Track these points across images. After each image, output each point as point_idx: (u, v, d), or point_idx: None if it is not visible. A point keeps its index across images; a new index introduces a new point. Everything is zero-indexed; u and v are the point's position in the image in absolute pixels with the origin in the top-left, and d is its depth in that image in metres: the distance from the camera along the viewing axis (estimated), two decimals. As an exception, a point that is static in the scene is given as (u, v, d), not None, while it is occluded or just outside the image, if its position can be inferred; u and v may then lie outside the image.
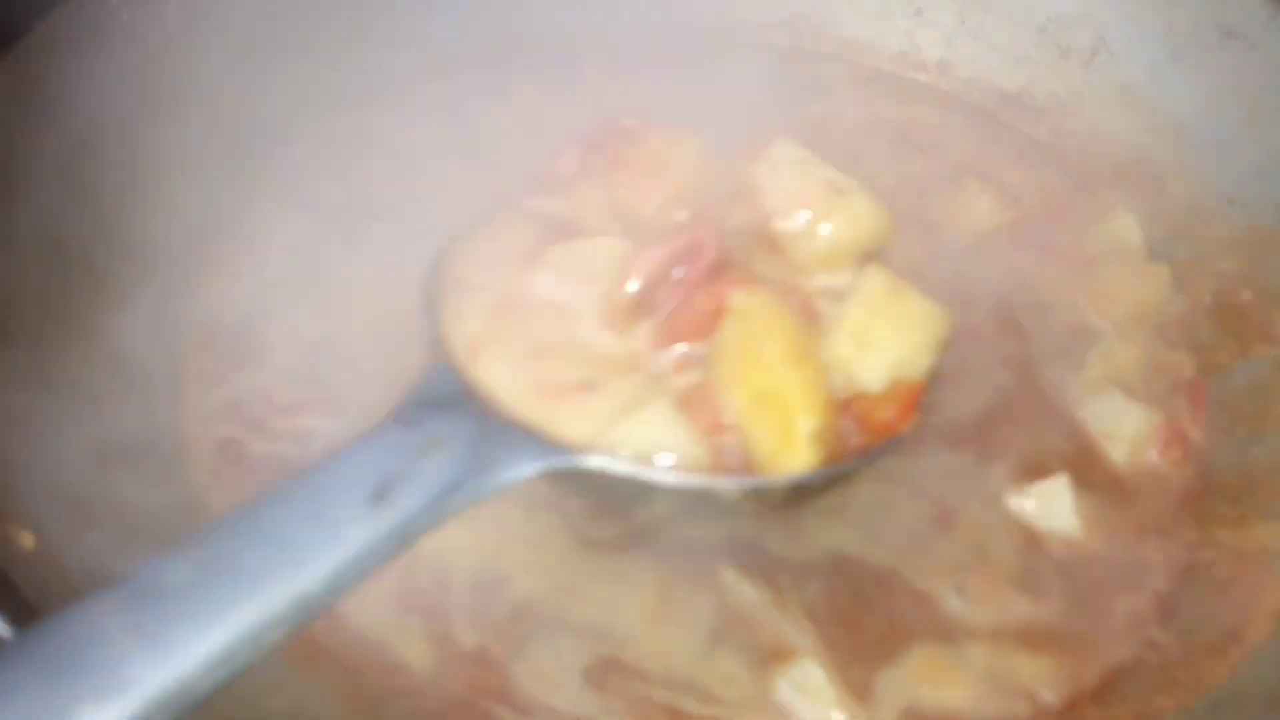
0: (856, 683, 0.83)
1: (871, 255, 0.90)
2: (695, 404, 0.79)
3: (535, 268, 0.88)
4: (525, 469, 0.73)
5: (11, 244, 0.90)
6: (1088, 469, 0.98)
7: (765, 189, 0.90)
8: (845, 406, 0.81)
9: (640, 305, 0.84)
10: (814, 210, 0.88)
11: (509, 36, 1.40)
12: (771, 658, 0.84)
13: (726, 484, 0.77)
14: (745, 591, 0.88)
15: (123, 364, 0.93)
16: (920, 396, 0.82)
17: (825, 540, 0.91)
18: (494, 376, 0.80)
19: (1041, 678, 0.84)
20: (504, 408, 0.77)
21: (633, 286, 0.84)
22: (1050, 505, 0.94)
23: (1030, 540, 0.93)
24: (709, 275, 0.84)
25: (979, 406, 1.02)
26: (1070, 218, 1.20)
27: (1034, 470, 0.97)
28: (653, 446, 0.77)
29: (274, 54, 1.21)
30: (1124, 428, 0.99)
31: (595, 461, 0.75)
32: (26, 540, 0.70)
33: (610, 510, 0.92)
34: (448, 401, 0.74)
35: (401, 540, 0.64)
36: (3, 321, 0.85)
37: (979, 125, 1.34)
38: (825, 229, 0.88)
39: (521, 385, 0.80)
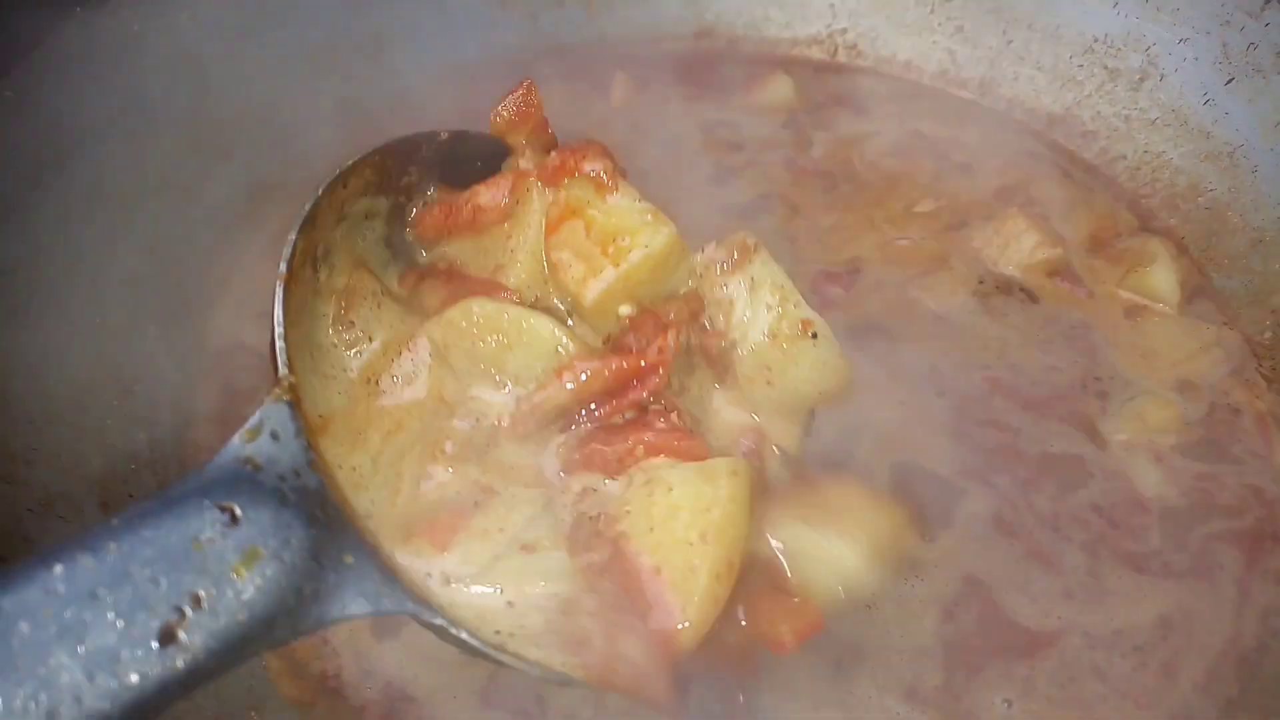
0: None
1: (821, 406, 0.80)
2: (593, 542, 0.66)
3: (441, 326, 0.73)
4: (356, 609, 0.56)
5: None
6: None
7: (735, 310, 0.75)
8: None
9: (560, 418, 0.71)
10: (783, 351, 0.74)
11: (532, 45, 1.36)
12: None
13: (579, 680, 0.62)
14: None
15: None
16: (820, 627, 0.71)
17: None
18: (352, 462, 0.67)
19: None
20: (359, 515, 0.62)
21: (557, 396, 0.70)
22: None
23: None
24: (644, 406, 0.72)
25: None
26: (1112, 257, 1.14)
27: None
28: (538, 602, 0.64)
29: (290, 63, 1.17)
30: (1149, 489, 0.95)
31: (443, 624, 0.59)
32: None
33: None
34: (280, 474, 0.56)
35: (191, 685, 0.49)
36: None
37: (1023, 145, 1.30)
38: (790, 373, 0.75)
39: (390, 489, 0.67)
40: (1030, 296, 1.10)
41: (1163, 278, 1.09)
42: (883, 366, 1.01)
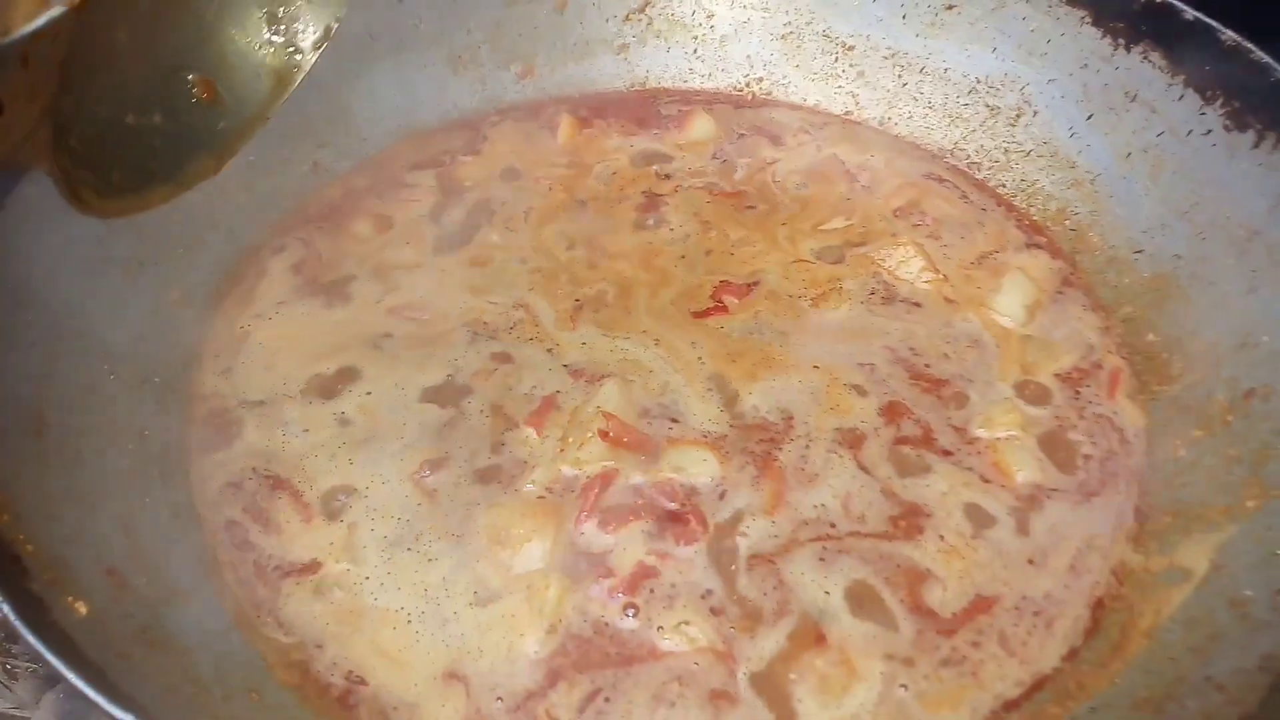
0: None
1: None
2: None
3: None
4: None
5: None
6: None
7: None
8: None
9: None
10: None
11: (483, 105, 1.53)
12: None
13: None
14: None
15: (141, 444, 1.06)
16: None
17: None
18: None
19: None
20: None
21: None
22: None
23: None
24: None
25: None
26: (992, 270, 1.31)
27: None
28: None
29: (270, 135, 1.33)
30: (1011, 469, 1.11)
31: None
32: (81, 609, 0.82)
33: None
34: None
35: None
36: (39, 416, 0.97)
37: (924, 169, 1.47)
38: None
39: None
40: (915, 305, 1.27)
41: (1010, 299, 1.26)
42: (787, 348, 1.21)
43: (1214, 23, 1.22)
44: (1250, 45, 1.19)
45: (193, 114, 1.02)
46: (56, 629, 0.77)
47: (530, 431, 1.11)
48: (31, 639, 0.73)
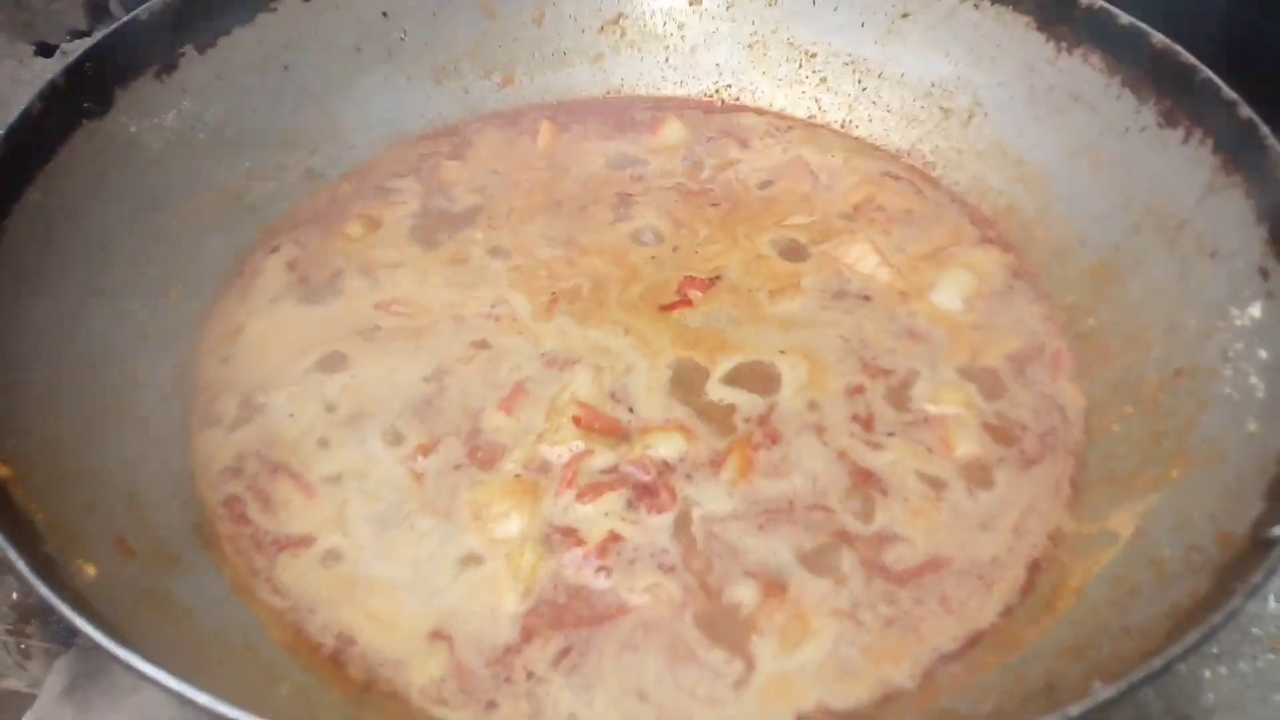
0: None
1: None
2: None
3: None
4: None
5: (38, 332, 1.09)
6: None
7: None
8: None
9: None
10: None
11: (465, 113, 1.62)
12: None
13: None
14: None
15: (145, 426, 1.14)
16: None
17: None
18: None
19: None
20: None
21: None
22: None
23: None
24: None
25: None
26: (940, 262, 1.40)
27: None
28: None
29: (264, 146, 1.43)
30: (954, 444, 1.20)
31: None
32: (90, 571, 0.90)
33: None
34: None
35: None
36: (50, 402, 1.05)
37: (883, 168, 1.55)
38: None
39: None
40: (865, 299, 1.35)
41: (948, 291, 1.35)
42: (744, 337, 1.29)
43: (1146, 26, 1.31)
44: (1178, 48, 1.27)
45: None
46: (69, 586, 0.85)
47: (501, 415, 1.19)
48: (45, 592, 0.80)
